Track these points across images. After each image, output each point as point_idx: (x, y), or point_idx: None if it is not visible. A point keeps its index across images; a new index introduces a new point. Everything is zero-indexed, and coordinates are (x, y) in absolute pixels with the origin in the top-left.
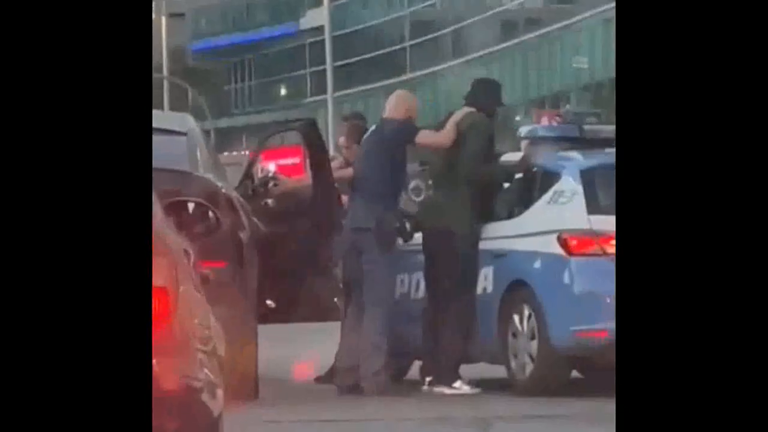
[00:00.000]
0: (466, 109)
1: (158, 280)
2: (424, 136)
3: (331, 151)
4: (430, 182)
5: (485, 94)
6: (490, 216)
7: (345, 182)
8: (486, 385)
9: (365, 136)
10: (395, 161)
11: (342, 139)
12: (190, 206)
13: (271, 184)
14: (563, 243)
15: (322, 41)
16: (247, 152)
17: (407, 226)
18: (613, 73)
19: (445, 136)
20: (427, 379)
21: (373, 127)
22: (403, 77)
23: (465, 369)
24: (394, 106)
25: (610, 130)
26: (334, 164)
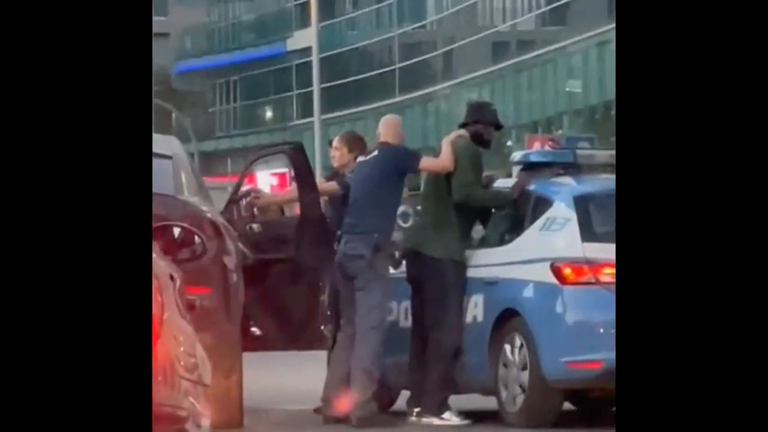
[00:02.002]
0: (455, 133)
1: None
2: (428, 162)
3: (318, 176)
4: (418, 208)
5: (477, 116)
6: (481, 242)
7: (327, 195)
8: (476, 417)
9: (363, 159)
10: (395, 189)
11: (336, 139)
12: (176, 231)
13: (251, 196)
14: (556, 271)
15: (310, 63)
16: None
17: (396, 253)
18: (606, 97)
19: (447, 159)
20: (415, 410)
21: (375, 152)
22: (393, 100)
23: (454, 399)
24: (388, 130)
25: (604, 155)
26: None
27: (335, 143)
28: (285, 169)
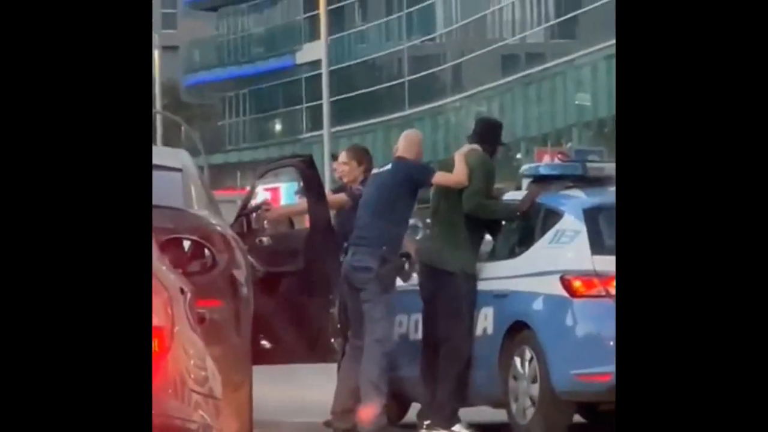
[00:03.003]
0: (469, 146)
1: (153, 318)
2: (442, 177)
3: (327, 188)
4: (428, 221)
5: (487, 134)
6: (491, 255)
7: (336, 208)
8: (486, 429)
9: (376, 172)
10: (407, 203)
11: (342, 155)
12: (186, 244)
13: (262, 209)
14: (566, 284)
15: (319, 75)
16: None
17: (405, 265)
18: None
19: (461, 174)
20: (425, 422)
21: (389, 166)
22: (402, 113)
23: (465, 412)
24: (407, 146)
25: (613, 167)
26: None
27: (343, 158)
28: (277, 184)
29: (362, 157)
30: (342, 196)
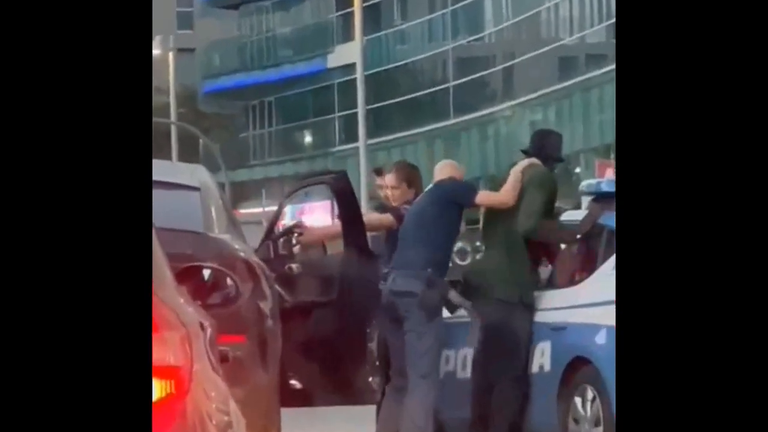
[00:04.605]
0: (528, 161)
1: (169, 357)
2: (485, 197)
3: (363, 207)
4: (477, 244)
5: (546, 148)
6: (548, 283)
7: (379, 229)
8: None
9: (418, 198)
10: (451, 225)
11: (389, 177)
12: (206, 273)
13: (295, 233)
14: None
15: (353, 81)
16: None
17: (452, 294)
18: None
19: (508, 193)
20: None
21: (427, 189)
22: (446, 122)
23: None
24: (439, 175)
25: None
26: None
27: (392, 181)
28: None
29: (414, 177)
30: (387, 217)
